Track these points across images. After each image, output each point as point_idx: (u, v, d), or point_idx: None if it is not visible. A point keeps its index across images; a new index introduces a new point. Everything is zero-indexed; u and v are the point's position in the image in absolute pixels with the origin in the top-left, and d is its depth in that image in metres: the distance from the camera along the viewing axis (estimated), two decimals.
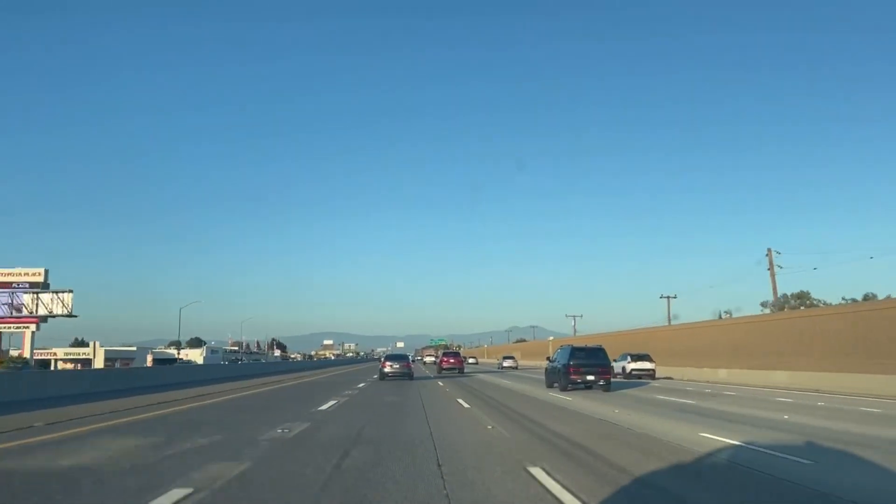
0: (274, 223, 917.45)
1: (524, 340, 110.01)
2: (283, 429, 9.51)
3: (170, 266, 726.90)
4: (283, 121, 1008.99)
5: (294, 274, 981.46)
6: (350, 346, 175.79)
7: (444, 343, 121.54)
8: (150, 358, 77.21)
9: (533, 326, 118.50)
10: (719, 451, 7.68)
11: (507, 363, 52.74)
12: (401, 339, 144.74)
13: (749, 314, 39.52)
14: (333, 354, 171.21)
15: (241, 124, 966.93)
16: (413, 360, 46.04)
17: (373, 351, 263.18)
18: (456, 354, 40.75)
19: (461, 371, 38.03)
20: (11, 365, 41.06)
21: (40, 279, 46.25)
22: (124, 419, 11.15)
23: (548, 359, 23.38)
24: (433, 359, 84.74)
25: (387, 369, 29.09)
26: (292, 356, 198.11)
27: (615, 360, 29.55)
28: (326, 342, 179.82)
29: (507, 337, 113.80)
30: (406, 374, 29.01)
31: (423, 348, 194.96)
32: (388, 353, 65.06)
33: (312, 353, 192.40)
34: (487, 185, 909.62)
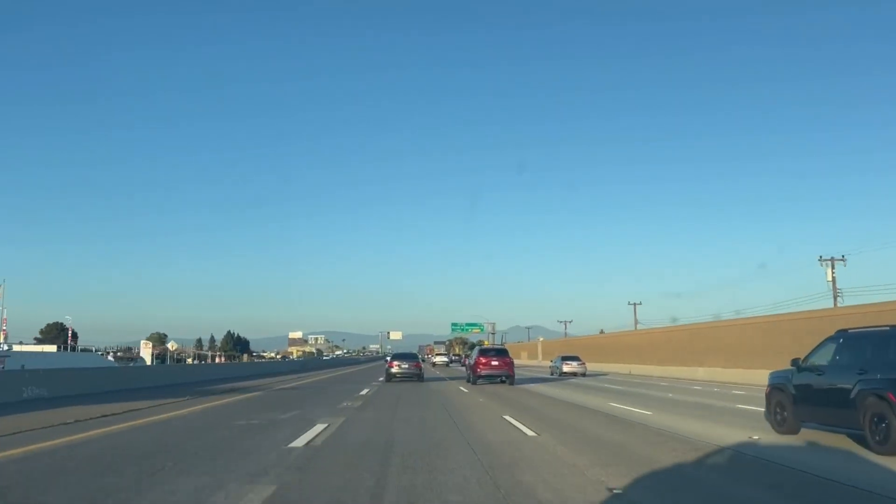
0: (266, 223, 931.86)
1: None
2: None
3: (154, 266, 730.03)
4: (274, 119, 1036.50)
5: (288, 273, 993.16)
6: (318, 338, 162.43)
7: (476, 330, 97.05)
8: None
9: (537, 326, 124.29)
10: None
11: (567, 367, 43.80)
12: (398, 334, 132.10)
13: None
14: (302, 353, 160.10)
15: (235, 124, 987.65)
16: (422, 360, 42.71)
17: (364, 349, 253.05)
18: (502, 353, 31.18)
19: (509, 379, 28.73)
20: None
21: None
22: None
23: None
24: (445, 359, 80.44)
25: (394, 369, 30.97)
26: (265, 354, 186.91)
27: None
28: (293, 335, 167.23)
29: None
30: (416, 376, 31.11)
31: (430, 345, 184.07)
32: (395, 351, 61.88)
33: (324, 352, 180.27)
34: (486, 185, 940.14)
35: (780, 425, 11.35)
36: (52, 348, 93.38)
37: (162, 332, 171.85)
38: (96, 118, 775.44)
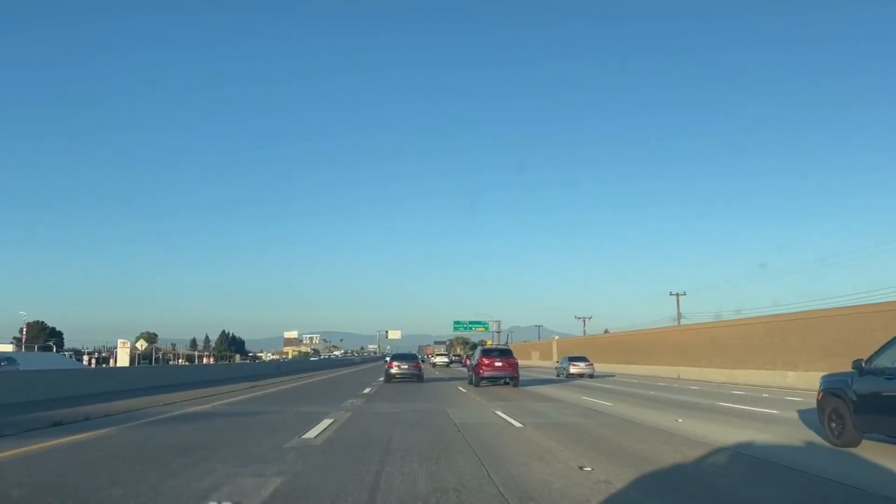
0: (267, 224, 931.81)
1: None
2: None
3: (150, 265, 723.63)
4: (273, 119, 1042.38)
5: (288, 273, 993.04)
6: (314, 337, 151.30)
7: (480, 328, 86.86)
8: None
9: (537, 326, 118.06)
10: None
11: (575, 368, 40.93)
12: (397, 333, 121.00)
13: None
14: (298, 353, 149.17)
15: (234, 124, 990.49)
16: (422, 361, 42.95)
17: (363, 349, 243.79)
18: (506, 353, 29.43)
19: (514, 381, 27.57)
20: None
21: None
22: None
23: None
24: (445, 359, 76.36)
25: (394, 370, 31.10)
26: (261, 355, 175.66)
27: None
28: (288, 334, 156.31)
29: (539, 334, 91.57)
30: (416, 376, 30.87)
31: (429, 345, 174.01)
32: (395, 351, 60.87)
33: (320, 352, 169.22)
34: (487, 184, 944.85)
35: (837, 436, 9.57)
36: (9, 348, 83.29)
37: (153, 331, 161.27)
38: (94, 119, 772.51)
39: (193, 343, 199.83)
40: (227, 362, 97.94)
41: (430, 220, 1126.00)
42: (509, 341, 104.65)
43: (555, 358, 73.39)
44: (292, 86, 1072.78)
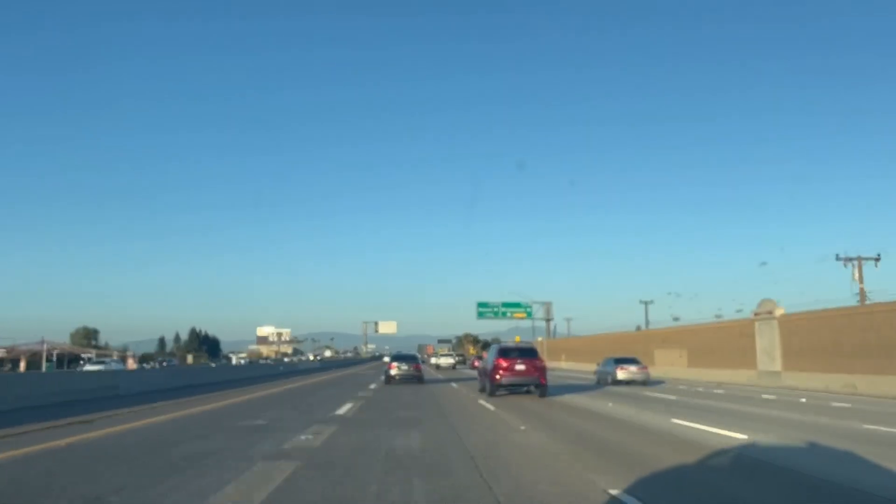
0: (265, 224, 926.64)
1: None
2: None
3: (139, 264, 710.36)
4: (273, 114, 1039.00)
5: (280, 270, 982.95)
6: (283, 332, 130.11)
7: (520, 314, 66.98)
8: None
9: (547, 321, 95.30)
10: None
11: (623, 373, 32.69)
12: (391, 325, 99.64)
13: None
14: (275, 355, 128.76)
15: (232, 127, 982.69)
16: (422, 361, 40.73)
17: (356, 349, 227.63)
18: (529, 353, 24.51)
19: (540, 389, 23.09)
20: None
21: None
22: None
23: None
24: (451, 360, 70.93)
25: (393, 371, 31.46)
26: (241, 356, 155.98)
27: None
28: (262, 331, 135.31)
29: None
30: (416, 378, 31.32)
31: (429, 344, 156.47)
32: (395, 352, 59.02)
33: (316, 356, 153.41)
34: (485, 183, 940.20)
35: None
36: None
37: (93, 326, 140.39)
38: (82, 121, 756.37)
39: (162, 342, 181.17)
40: (156, 366, 76.59)
41: (431, 219, 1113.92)
42: (554, 334, 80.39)
43: (778, 363, 41.63)
44: (289, 87, 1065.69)
